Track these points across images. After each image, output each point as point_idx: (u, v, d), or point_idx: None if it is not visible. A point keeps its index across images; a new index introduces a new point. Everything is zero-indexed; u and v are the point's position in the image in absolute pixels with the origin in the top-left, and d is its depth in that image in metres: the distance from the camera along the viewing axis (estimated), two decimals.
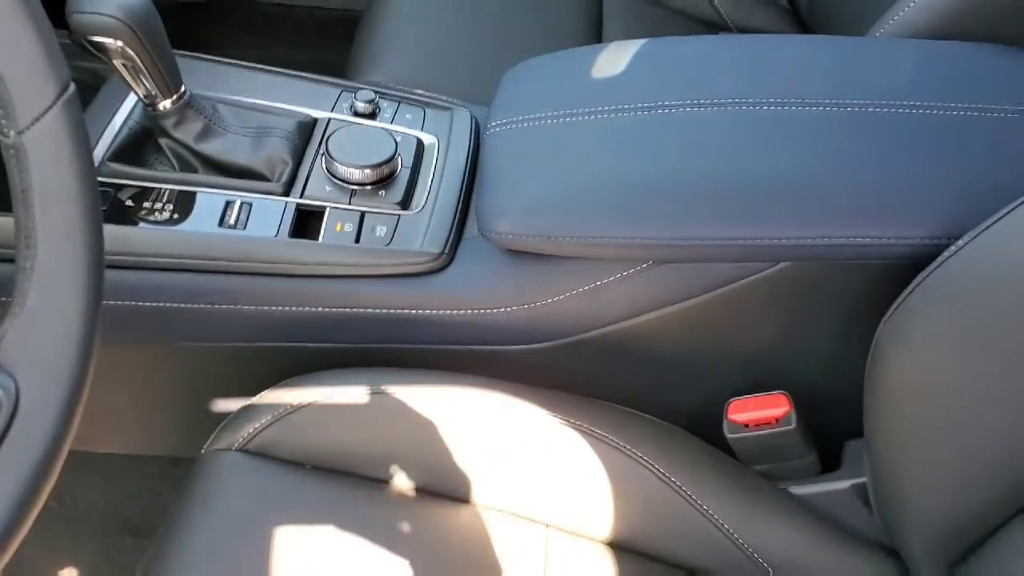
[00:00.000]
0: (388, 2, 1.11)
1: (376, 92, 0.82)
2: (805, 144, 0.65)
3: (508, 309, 0.70)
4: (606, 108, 0.70)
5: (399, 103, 0.82)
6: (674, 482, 0.69)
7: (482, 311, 0.71)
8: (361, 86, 0.83)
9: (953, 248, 0.57)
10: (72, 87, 0.45)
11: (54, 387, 0.42)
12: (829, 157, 0.65)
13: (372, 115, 0.80)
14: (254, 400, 0.70)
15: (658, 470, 0.69)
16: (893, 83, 0.67)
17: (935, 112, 0.65)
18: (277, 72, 0.84)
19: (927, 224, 0.61)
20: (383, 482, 0.69)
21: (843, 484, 0.72)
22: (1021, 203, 0.53)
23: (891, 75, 0.68)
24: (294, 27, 1.49)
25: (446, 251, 0.71)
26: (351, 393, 0.69)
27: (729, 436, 0.71)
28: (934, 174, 0.63)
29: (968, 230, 0.56)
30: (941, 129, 0.64)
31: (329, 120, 0.79)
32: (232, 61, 0.84)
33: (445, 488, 0.69)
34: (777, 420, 0.69)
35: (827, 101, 0.67)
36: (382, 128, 0.78)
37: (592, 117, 0.69)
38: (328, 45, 1.19)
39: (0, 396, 0.39)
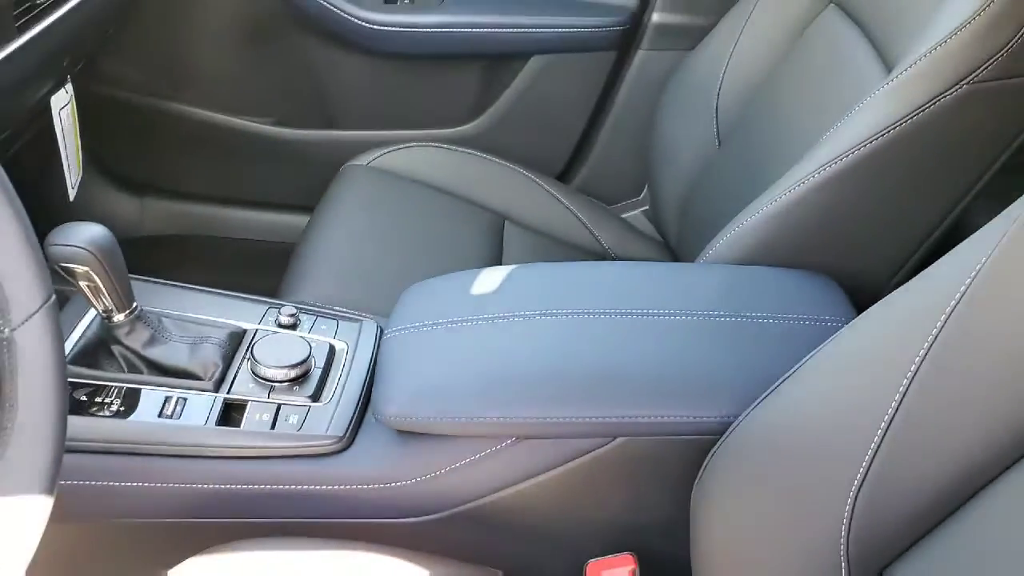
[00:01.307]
0: (318, 235, 1.31)
1: (298, 308, 0.98)
2: (632, 343, 0.83)
3: (399, 483, 0.84)
4: (478, 317, 0.87)
5: (317, 317, 0.98)
6: None
7: (377, 486, 0.84)
8: (285, 303, 0.99)
9: (735, 422, 0.73)
10: (53, 297, 0.60)
11: (20, 523, 0.55)
12: (650, 354, 0.82)
13: (293, 327, 0.97)
14: (180, 567, 0.81)
15: None
16: (702, 297, 0.86)
17: (729, 319, 0.83)
18: (215, 292, 1.00)
19: (721, 405, 0.78)
20: None
21: None
22: (778, 384, 0.70)
23: (701, 292, 0.87)
24: (235, 257, 1.68)
25: (347, 434, 0.85)
26: (263, 558, 0.81)
27: None
28: (726, 367, 0.81)
29: None
30: (733, 332, 0.83)
31: (256, 330, 0.95)
32: (178, 284, 1.00)
33: None
34: None
35: (651, 311, 0.85)
36: (300, 336, 0.94)
37: (466, 324, 0.86)
38: (266, 272, 1.37)
39: None
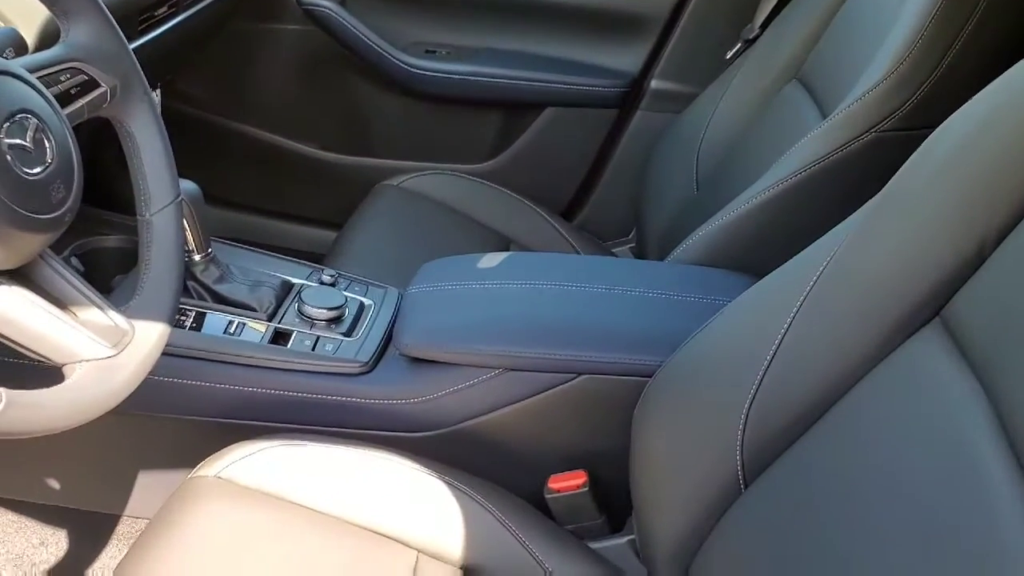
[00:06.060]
0: (353, 236, 1.55)
1: (338, 272, 1.22)
2: (597, 306, 1.07)
3: (409, 401, 1.06)
4: (479, 282, 1.11)
5: (351, 281, 1.22)
6: (510, 526, 1.01)
7: (392, 402, 1.06)
8: (327, 268, 1.23)
9: (664, 363, 0.95)
10: (180, 196, 0.84)
11: (148, 342, 0.78)
12: (609, 313, 1.06)
13: (333, 285, 1.20)
14: (232, 446, 1.03)
15: (500, 516, 1.02)
16: (653, 282, 1.10)
17: (671, 296, 1.08)
18: (273, 255, 1.24)
19: (657, 352, 0.99)
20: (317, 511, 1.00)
21: (622, 540, 1.05)
22: (696, 334, 0.93)
23: (654, 278, 1.12)
24: None
25: (371, 361, 1.08)
26: (302, 449, 1.03)
27: (547, 497, 1.05)
28: (663, 326, 1.04)
29: None
30: (671, 304, 1.07)
31: (303, 284, 1.19)
32: (246, 246, 1.24)
33: (360, 518, 0.99)
34: (577, 487, 1.04)
35: (614, 287, 1.09)
36: (338, 291, 1.17)
37: (470, 286, 1.10)
38: None
39: (127, 329, 0.75)
